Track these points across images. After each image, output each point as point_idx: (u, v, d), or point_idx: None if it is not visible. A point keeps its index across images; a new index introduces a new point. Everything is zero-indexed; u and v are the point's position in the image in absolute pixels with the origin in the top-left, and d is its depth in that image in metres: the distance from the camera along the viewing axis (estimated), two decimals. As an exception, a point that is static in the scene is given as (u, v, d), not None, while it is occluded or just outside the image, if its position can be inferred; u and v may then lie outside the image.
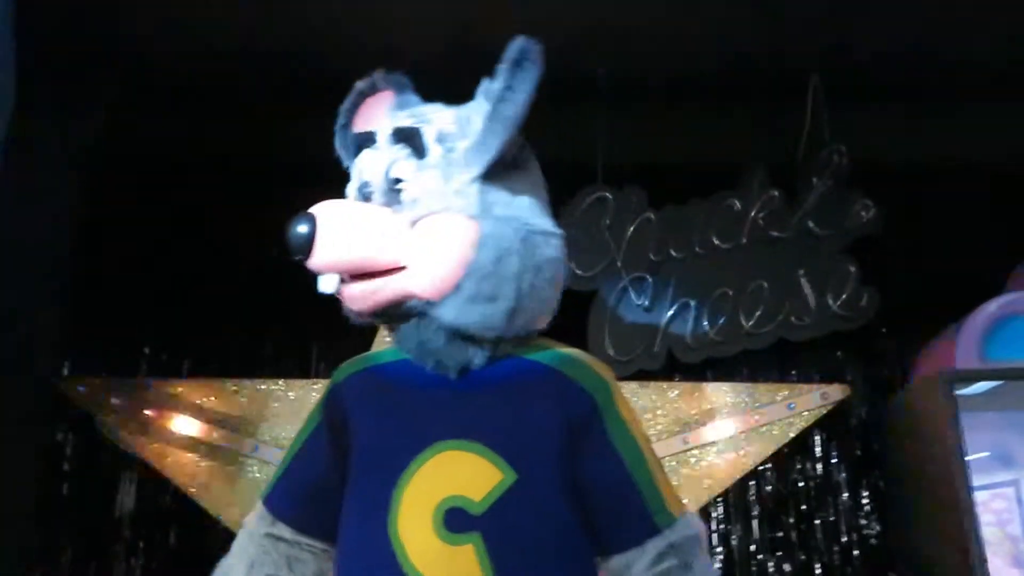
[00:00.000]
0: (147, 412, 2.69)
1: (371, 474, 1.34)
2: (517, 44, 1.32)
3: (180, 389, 2.77)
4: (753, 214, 3.02)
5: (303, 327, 2.97)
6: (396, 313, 1.34)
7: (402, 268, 1.31)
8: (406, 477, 1.29)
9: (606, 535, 1.35)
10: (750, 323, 2.93)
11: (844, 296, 2.93)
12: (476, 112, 1.37)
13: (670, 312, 2.95)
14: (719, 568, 2.76)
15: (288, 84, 3.01)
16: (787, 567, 2.82)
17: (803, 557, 2.83)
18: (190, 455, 2.70)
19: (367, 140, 1.39)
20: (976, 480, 2.41)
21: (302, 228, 1.25)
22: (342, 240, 1.29)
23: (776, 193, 3.03)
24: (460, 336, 1.33)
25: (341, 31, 2.78)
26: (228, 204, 3.10)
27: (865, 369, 2.98)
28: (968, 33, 2.82)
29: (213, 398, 2.74)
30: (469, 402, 1.36)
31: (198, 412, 2.72)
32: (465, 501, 1.27)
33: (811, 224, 3.01)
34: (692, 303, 2.96)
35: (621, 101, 2.89)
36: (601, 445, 1.36)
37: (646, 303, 2.96)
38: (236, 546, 1.45)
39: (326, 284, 1.32)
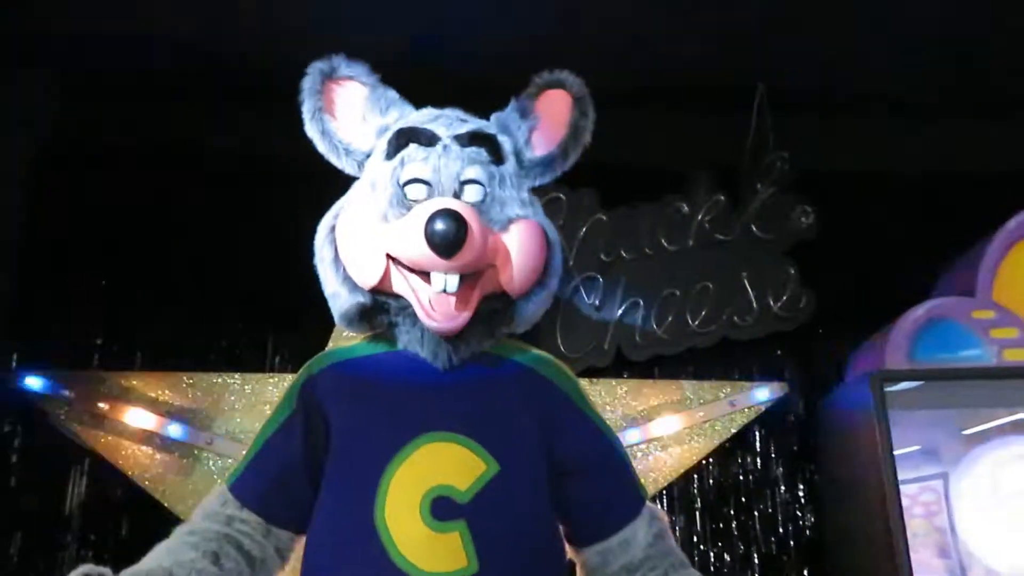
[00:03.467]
0: (100, 404, 2.67)
1: (355, 465, 1.38)
2: (580, 82, 1.53)
3: (135, 382, 2.74)
4: (700, 217, 3.11)
5: (260, 320, 2.99)
6: (480, 308, 1.41)
7: (491, 267, 1.40)
8: (392, 468, 1.34)
9: (599, 516, 1.44)
10: (696, 322, 3.03)
11: (784, 297, 3.05)
12: (519, 127, 1.54)
13: (620, 311, 3.03)
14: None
15: (239, 73, 3.01)
16: (727, 557, 2.94)
17: (742, 547, 2.94)
18: (144, 448, 2.68)
19: (419, 137, 1.45)
20: (905, 474, 2.52)
21: (457, 227, 1.28)
22: (481, 240, 1.34)
23: (722, 197, 3.13)
24: (474, 335, 1.42)
25: (305, 24, 2.79)
26: (183, 194, 3.09)
27: (802, 368, 3.09)
28: (901, 45, 2.95)
29: (168, 391, 2.73)
30: (452, 396, 1.43)
31: (153, 405, 2.71)
32: (451, 490, 1.33)
33: (754, 228, 3.12)
34: (641, 302, 3.04)
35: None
36: (585, 428, 1.49)
37: (596, 302, 3.04)
38: (187, 535, 1.39)
39: (451, 283, 1.35)
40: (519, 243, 1.42)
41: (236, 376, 2.76)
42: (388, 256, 1.40)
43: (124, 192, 3.09)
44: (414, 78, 1.64)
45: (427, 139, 1.45)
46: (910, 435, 2.67)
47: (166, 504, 2.63)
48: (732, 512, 2.97)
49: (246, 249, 3.05)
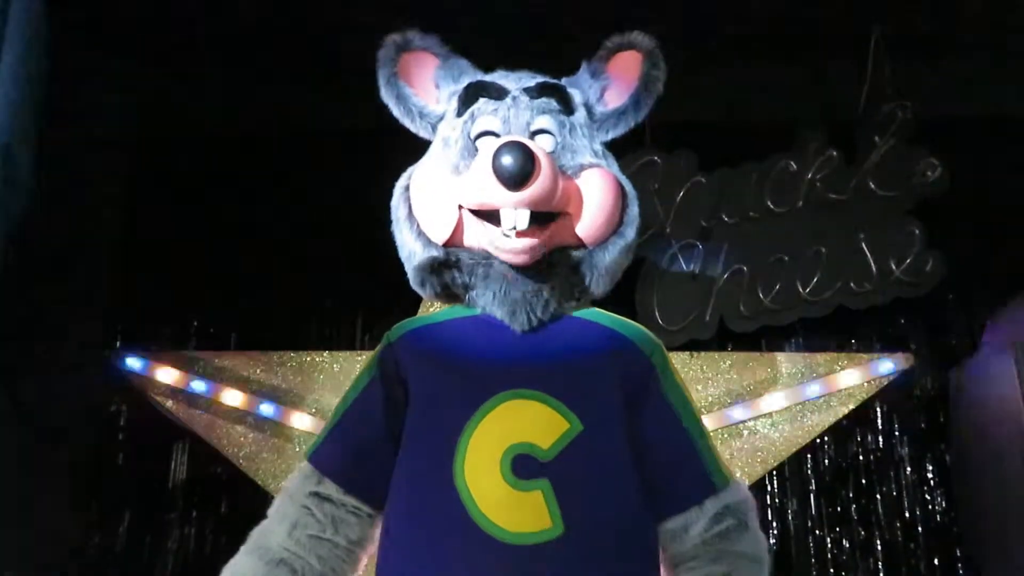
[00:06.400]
0: (195, 384, 2.71)
1: (434, 425, 1.36)
2: (649, 38, 1.50)
3: (227, 362, 2.78)
4: (810, 176, 2.91)
5: (348, 299, 2.99)
6: (554, 260, 1.40)
7: (566, 214, 1.38)
8: (471, 426, 1.31)
9: (663, 496, 1.37)
10: (807, 290, 2.82)
11: (908, 261, 2.80)
12: (591, 85, 1.53)
13: (722, 280, 2.86)
14: (774, 544, 2.68)
15: (327, 56, 2.98)
16: (846, 543, 2.73)
17: (863, 533, 2.74)
18: (238, 427, 2.71)
19: (489, 91, 1.46)
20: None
21: (524, 158, 1.26)
22: (551, 173, 1.31)
23: (835, 153, 2.91)
24: (551, 290, 1.39)
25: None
26: (273, 177, 3.10)
27: (930, 338, 2.86)
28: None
29: (259, 370, 2.75)
30: (533, 355, 1.39)
31: (245, 384, 2.73)
32: (533, 448, 1.30)
33: (872, 185, 2.88)
34: (745, 269, 2.86)
35: (671, 59, 2.79)
36: (659, 404, 1.41)
37: (696, 270, 2.87)
38: (274, 509, 1.43)
39: (521, 219, 1.31)
40: (592, 189, 1.40)
41: (325, 355, 2.76)
42: (460, 208, 1.39)
43: (218, 176, 3.14)
44: (482, 48, 1.62)
45: (496, 92, 1.46)
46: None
47: (260, 483, 2.65)
48: (851, 495, 2.78)
49: (335, 227, 3.04)
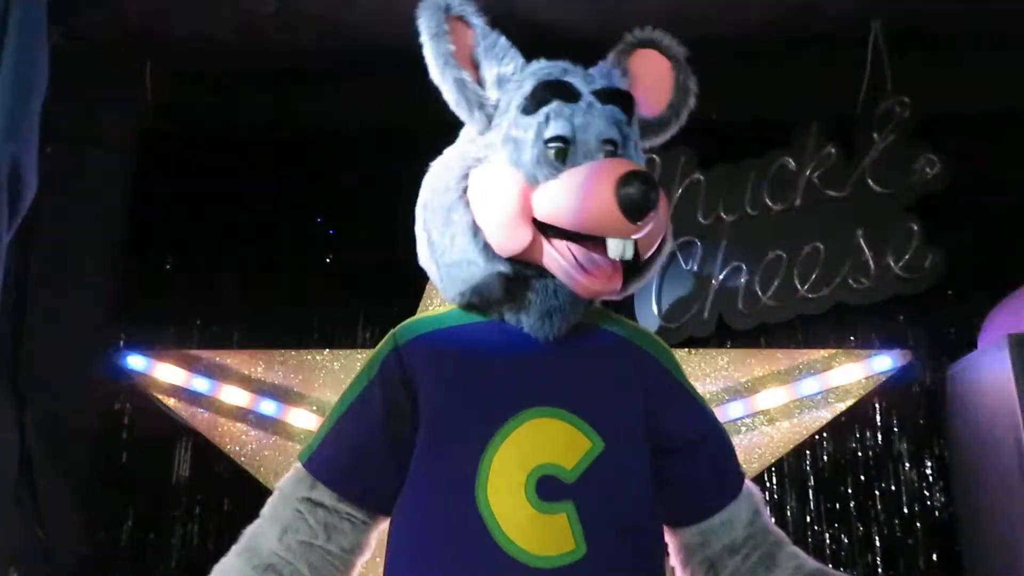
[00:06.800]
0: (196, 383, 2.73)
1: (454, 443, 1.30)
2: (676, 42, 1.45)
3: (229, 360, 2.80)
4: (808, 173, 2.90)
5: (349, 297, 2.99)
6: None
7: None
8: (494, 445, 1.27)
9: (703, 496, 1.39)
10: (805, 287, 2.82)
11: (906, 257, 2.79)
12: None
13: (720, 276, 2.86)
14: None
15: (325, 56, 2.99)
16: (844, 539, 2.73)
17: (861, 529, 2.74)
18: (239, 425, 2.73)
19: (564, 92, 1.33)
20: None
21: (650, 191, 1.21)
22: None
23: (833, 150, 2.90)
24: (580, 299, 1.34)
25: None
26: (273, 177, 3.11)
27: (928, 334, 2.84)
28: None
29: (260, 369, 2.76)
30: (554, 369, 1.34)
31: (246, 383, 2.75)
32: (558, 469, 1.26)
33: (871, 182, 2.87)
34: (744, 267, 2.86)
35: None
36: (687, 403, 1.43)
37: (695, 268, 2.87)
38: (267, 510, 1.37)
39: (628, 250, 1.27)
40: None
41: (325, 352, 2.76)
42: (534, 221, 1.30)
43: (219, 175, 3.14)
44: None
45: (571, 95, 1.34)
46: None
47: (262, 480, 2.66)
48: (850, 491, 2.77)
49: (336, 225, 3.06)
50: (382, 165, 2.89)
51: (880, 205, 2.86)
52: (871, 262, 2.81)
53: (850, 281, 2.82)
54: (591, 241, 1.27)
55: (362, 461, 1.35)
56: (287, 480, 1.39)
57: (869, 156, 2.88)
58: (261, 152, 3.13)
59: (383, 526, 1.38)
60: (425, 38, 1.34)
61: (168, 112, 3.13)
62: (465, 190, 1.32)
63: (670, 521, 1.41)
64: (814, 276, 2.82)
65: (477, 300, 1.38)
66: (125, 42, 2.99)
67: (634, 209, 1.19)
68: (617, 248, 1.25)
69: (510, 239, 1.28)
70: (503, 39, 1.40)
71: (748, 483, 1.45)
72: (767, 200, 2.90)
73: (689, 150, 2.91)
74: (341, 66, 2.99)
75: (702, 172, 2.90)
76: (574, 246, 1.27)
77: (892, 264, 2.80)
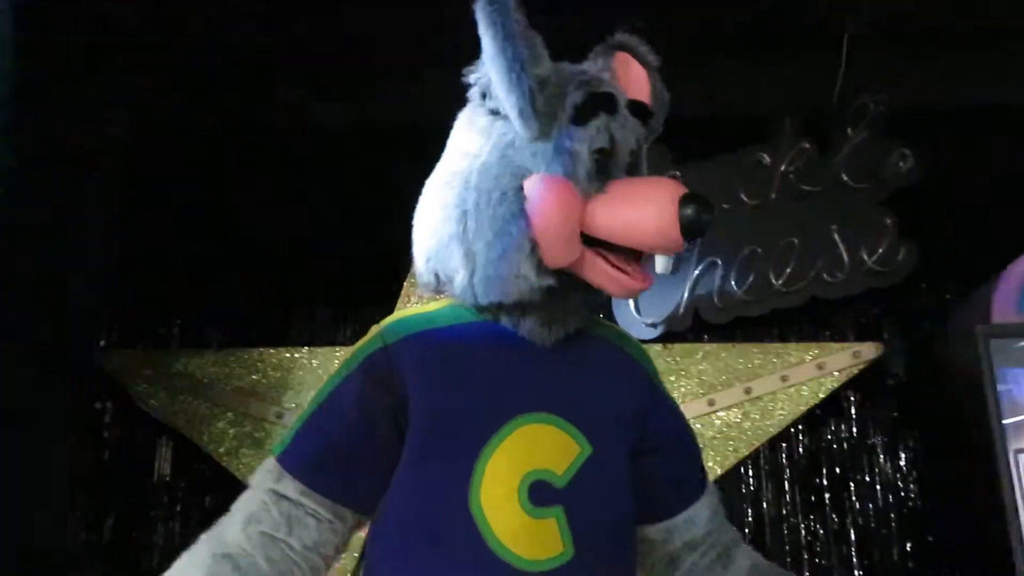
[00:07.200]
0: (176, 382, 2.74)
1: (447, 447, 1.30)
2: (657, 59, 1.42)
3: (209, 359, 2.81)
4: (783, 168, 2.91)
5: (328, 296, 3.00)
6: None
7: None
8: (488, 451, 1.28)
9: (671, 494, 1.45)
10: (780, 281, 2.84)
11: (880, 251, 2.81)
12: None
13: (696, 272, 2.88)
14: (748, 533, 2.71)
15: (311, 56, 3.00)
16: (820, 530, 2.76)
17: (836, 519, 2.77)
18: (219, 423, 2.75)
19: (608, 104, 1.31)
20: (1019, 442, 2.28)
21: (709, 213, 1.26)
22: None
23: (807, 145, 2.91)
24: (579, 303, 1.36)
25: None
26: (251, 177, 3.12)
27: (902, 326, 2.85)
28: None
29: (239, 367, 2.78)
30: (548, 374, 1.36)
31: (226, 381, 2.76)
32: (549, 475, 1.28)
33: (845, 177, 2.89)
34: (719, 262, 2.88)
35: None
36: (666, 407, 1.49)
37: (671, 263, 2.88)
38: (238, 502, 1.35)
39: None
40: None
41: (304, 351, 2.78)
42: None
43: (200, 174, 3.14)
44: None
45: (613, 107, 1.32)
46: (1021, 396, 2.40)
47: (241, 478, 2.67)
48: (825, 483, 2.79)
49: (315, 225, 3.06)
50: (363, 167, 2.91)
51: (854, 199, 2.88)
52: (845, 256, 2.83)
53: (825, 275, 2.83)
54: (624, 251, 1.30)
55: (333, 455, 1.32)
56: (257, 471, 1.38)
57: (843, 151, 2.90)
58: (241, 152, 3.13)
59: (359, 531, 1.37)
60: (493, 37, 1.23)
61: (151, 111, 3.13)
62: (523, 200, 1.27)
63: (639, 519, 1.43)
64: (789, 270, 2.83)
65: (507, 307, 1.35)
66: (112, 44, 2.99)
67: (692, 230, 1.25)
68: (666, 264, 1.33)
69: (565, 254, 1.26)
70: (538, 37, 1.30)
71: (709, 483, 1.52)
72: (742, 195, 2.92)
73: (663, 146, 2.91)
74: (333, 67, 2.98)
75: (677, 168, 2.91)
76: (610, 254, 1.29)
77: (866, 258, 2.82)
